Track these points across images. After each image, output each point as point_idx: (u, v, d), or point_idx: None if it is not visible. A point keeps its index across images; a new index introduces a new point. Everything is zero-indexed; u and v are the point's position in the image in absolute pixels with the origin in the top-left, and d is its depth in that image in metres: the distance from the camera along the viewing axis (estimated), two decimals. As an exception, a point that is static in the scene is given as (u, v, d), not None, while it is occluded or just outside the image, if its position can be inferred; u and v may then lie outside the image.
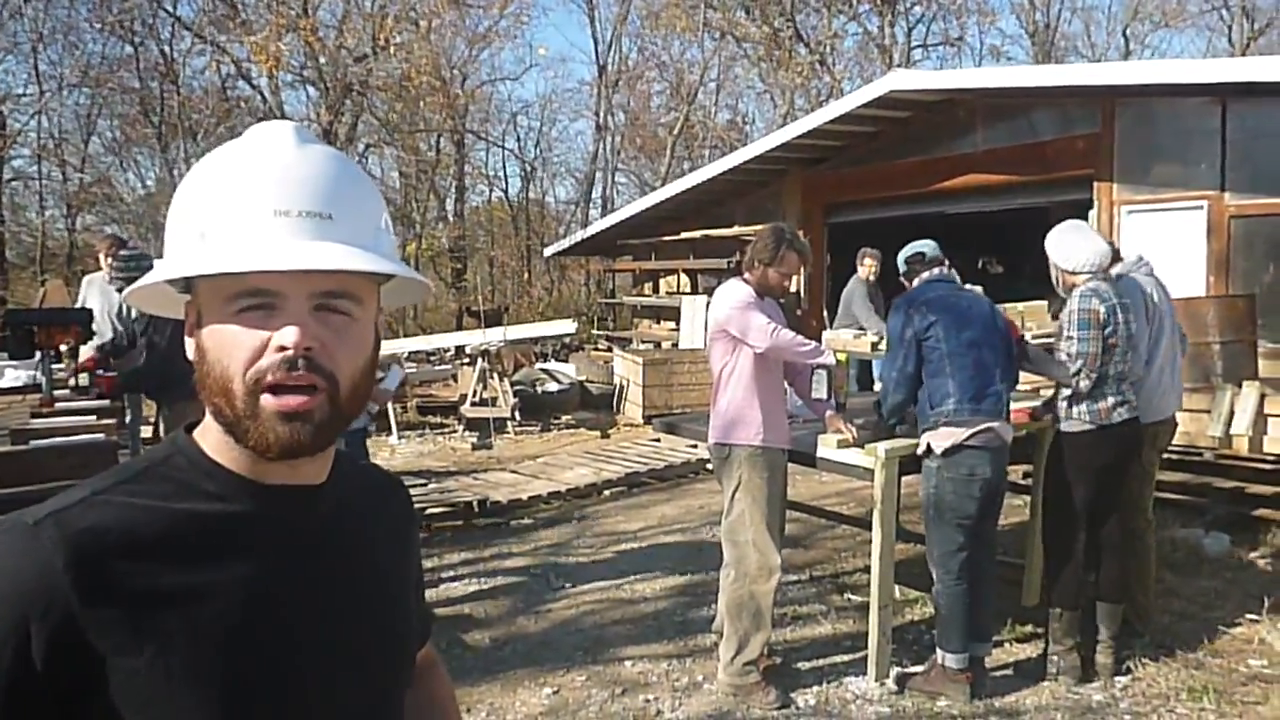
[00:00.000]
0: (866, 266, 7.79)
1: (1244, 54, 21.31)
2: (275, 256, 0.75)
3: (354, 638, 0.85)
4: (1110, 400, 3.43)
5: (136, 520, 0.75)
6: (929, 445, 3.35)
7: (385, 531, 0.94)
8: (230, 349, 0.77)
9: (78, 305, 5.99)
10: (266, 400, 0.76)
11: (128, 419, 4.88)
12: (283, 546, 0.81)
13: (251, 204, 0.77)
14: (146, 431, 6.03)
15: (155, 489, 0.78)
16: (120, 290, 4.86)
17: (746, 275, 3.50)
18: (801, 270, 3.52)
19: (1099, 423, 3.42)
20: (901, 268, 3.64)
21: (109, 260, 5.65)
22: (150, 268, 5.78)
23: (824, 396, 3.62)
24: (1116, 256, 3.84)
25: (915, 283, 3.54)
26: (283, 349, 0.76)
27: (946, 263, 3.56)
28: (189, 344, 0.82)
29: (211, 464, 0.80)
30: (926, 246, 3.58)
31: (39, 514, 0.74)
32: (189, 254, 0.78)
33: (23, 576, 0.71)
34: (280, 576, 0.80)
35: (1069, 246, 3.50)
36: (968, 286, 3.71)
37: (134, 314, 4.71)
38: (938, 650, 3.41)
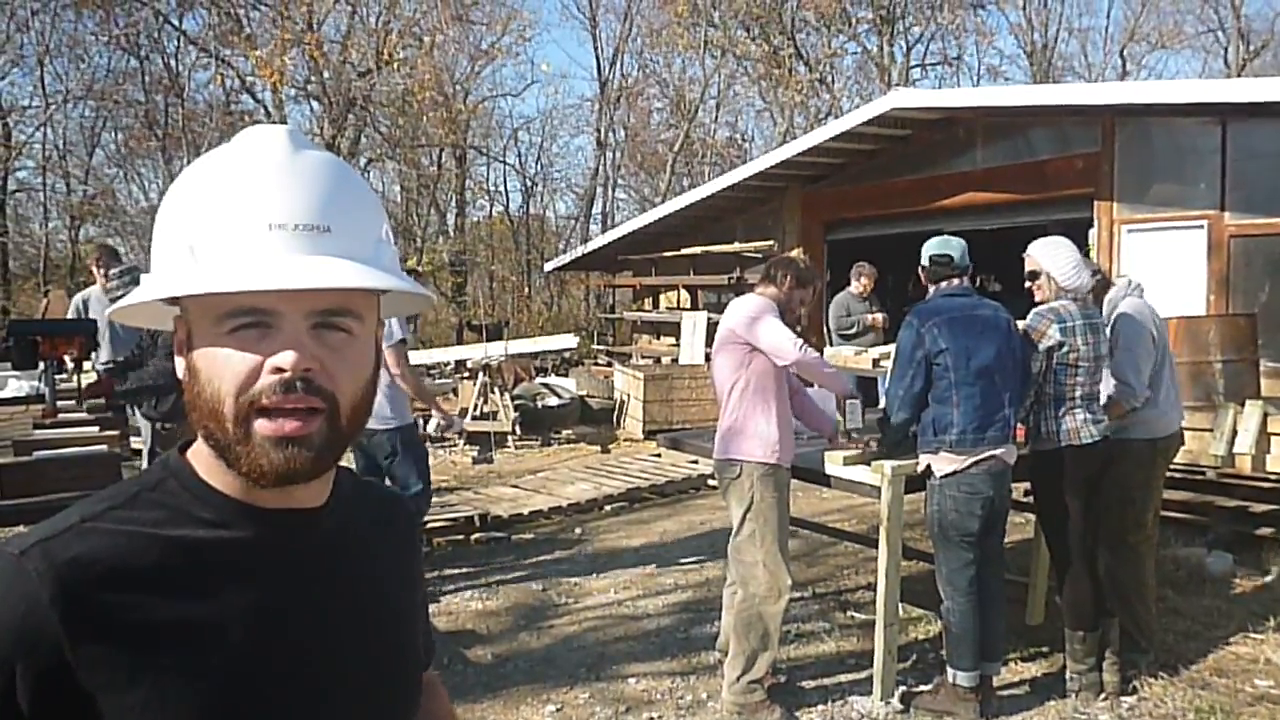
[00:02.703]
0: (861, 284, 7.81)
1: (1240, 75, 21.48)
2: (271, 275, 0.70)
3: (360, 667, 0.82)
4: (1079, 419, 3.41)
5: (128, 549, 0.72)
6: (929, 467, 3.34)
7: (390, 552, 0.91)
8: (222, 370, 0.72)
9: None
10: (260, 425, 0.72)
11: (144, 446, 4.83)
12: (282, 574, 0.78)
13: (244, 217, 0.72)
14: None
15: (147, 515, 0.74)
16: None
17: (766, 289, 3.48)
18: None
19: (1068, 443, 3.40)
20: (924, 261, 3.50)
21: (102, 272, 5.64)
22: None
23: (859, 426, 3.58)
24: (1107, 281, 3.83)
25: (933, 290, 3.45)
26: (279, 371, 0.71)
27: (969, 272, 3.44)
28: (178, 363, 0.77)
29: (205, 488, 0.77)
30: (955, 250, 3.41)
31: (25, 543, 0.70)
32: (178, 270, 0.73)
33: (7, 613, 0.67)
34: (280, 606, 0.77)
35: (1071, 268, 3.47)
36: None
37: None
38: (948, 669, 3.39)
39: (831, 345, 7.79)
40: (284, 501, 0.78)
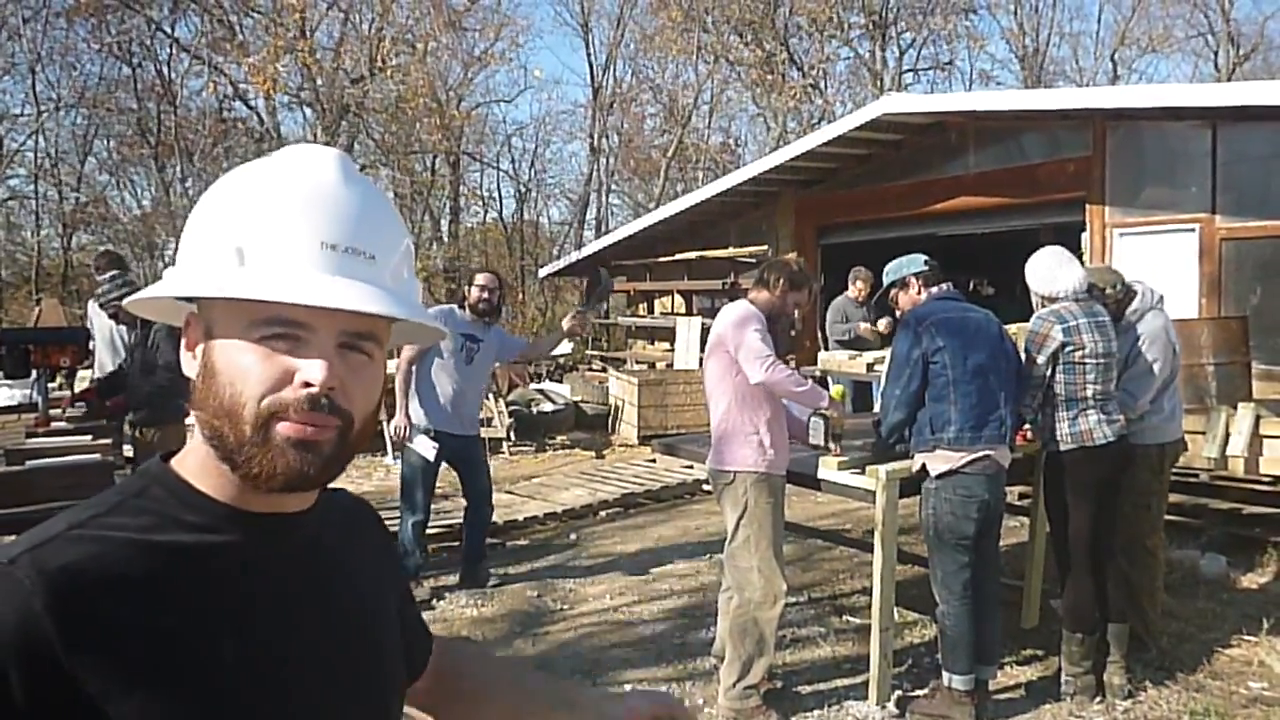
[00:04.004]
0: (857, 288, 7.78)
1: (1229, 78, 21.62)
2: (324, 292, 0.72)
3: (346, 663, 0.83)
4: (1092, 420, 3.43)
5: (117, 556, 0.71)
6: (924, 466, 3.35)
7: (366, 556, 0.92)
8: (246, 375, 0.73)
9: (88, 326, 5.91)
10: (281, 427, 0.73)
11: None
12: (270, 576, 0.78)
13: (298, 231, 0.74)
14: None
15: (134, 521, 0.74)
16: (112, 315, 4.82)
17: (759, 293, 3.48)
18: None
19: (1081, 444, 3.42)
20: (892, 278, 3.54)
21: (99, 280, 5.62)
22: (135, 286, 5.63)
23: (821, 443, 3.54)
24: (1129, 289, 3.84)
25: (923, 296, 3.47)
26: (308, 385, 0.73)
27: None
28: (187, 358, 0.78)
29: (192, 492, 0.77)
30: (920, 260, 3.49)
31: (12, 552, 0.69)
32: (222, 271, 0.74)
33: None
34: (269, 608, 0.77)
35: (1046, 272, 3.53)
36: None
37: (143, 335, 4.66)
38: (943, 673, 3.39)
39: (826, 350, 7.79)
40: (273, 506, 0.78)
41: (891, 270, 3.58)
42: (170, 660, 0.70)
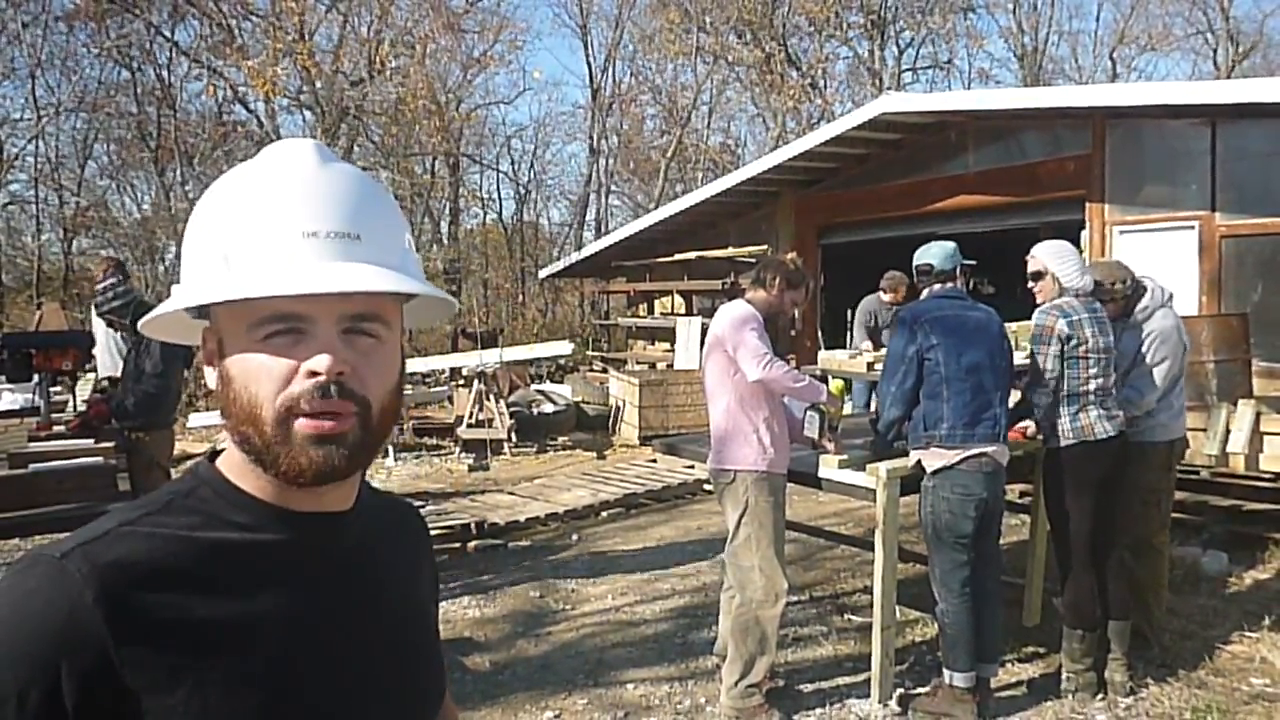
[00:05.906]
0: (891, 295, 7.57)
1: (1229, 76, 21.62)
2: (305, 280, 0.72)
3: (388, 666, 0.84)
4: (1092, 415, 3.44)
5: (166, 552, 0.73)
6: (919, 462, 3.36)
7: (408, 556, 0.93)
8: (258, 376, 0.74)
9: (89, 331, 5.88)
10: (299, 424, 0.74)
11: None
12: (314, 576, 0.80)
13: (277, 225, 0.74)
14: None
15: (182, 520, 0.76)
16: (109, 324, 4.81)
17: (756, 293, 3.50)
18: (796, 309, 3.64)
19: (1082, 439, 3.44)
20: (920, 261, 3.58)
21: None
22: (129, 294, 5.54)
23: (815, 437, 3.55)
24: (1139, 285, 3.83)
25: (924, 295, 3.51)
26: (314, 375, 0.74)
27: (959, 274, 3.50)
28: (209, 373, 0.79)
29: (237, 492, 0.78)
30: (935, 258, 3.49)
31: (65, 547, 0.72)
32: (211, 279, 0.75)
33: (52, 614, 0.68)
34: (313, 607, 0.79)
35: (1077, 269, 3.53)
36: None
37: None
38: (944, 671, 3.40)
39: (824, 349, 7.76)
40: (315, 505, 0.79)
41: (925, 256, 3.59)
42: (214, 654, 0.72)
